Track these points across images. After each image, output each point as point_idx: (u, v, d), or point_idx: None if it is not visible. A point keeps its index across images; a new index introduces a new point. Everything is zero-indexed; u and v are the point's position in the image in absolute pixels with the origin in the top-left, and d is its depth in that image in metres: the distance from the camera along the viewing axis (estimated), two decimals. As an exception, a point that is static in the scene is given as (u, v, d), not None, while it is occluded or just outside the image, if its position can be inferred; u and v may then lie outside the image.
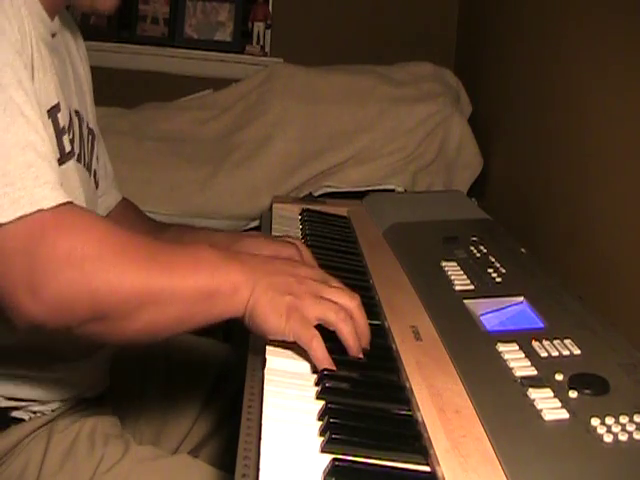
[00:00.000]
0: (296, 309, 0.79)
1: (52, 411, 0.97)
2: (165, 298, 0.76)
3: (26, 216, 0.70)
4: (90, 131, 1.05)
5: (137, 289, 0.74)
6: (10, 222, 0.70)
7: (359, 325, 0.83)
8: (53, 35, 0.94)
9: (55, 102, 0.87)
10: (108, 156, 1.19)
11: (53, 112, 0.87)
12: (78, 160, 0.97)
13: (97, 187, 1.08)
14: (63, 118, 0.90)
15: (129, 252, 0.76)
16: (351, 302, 0.83)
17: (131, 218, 1.17)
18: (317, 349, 0.78)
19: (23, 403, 0.95)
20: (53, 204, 0.72)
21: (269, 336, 0.81)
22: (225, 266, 0.80)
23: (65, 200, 0.74)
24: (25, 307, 0.72)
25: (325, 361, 0.78)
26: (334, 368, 0.79)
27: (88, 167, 1.02)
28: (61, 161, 0.88)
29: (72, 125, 0.96)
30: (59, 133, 0.88)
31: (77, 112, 1.00)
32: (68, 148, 0.91)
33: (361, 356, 0.82)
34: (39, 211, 0.71)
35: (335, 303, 0.82)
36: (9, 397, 0.94)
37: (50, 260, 0.71)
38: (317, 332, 0.79)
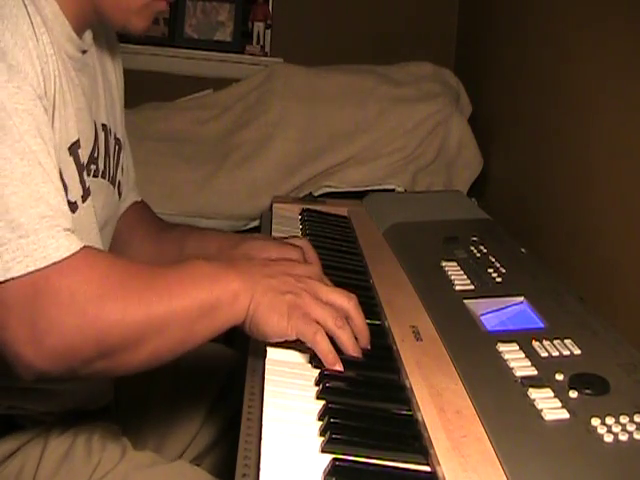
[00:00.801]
0: (297, 307, 0.80)
1: (54, 420, 0.97)
2: (167, 323, 0.76)
3: (37, 270, 0.71)
4: (117, 141, 1.05)
5: (140, 321, 0.75)
6: (20, 276, 0.70)
7: (356, 325, 0.84)
8: (84, 52, 0.93)
9: (76, 138, 0.87)
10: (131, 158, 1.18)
11: (74, 148, 0.87)
12: (103, 176, 0.98)
13: (120, 197, 1.08)
14: (85, 151, 0.90)
15: (128, 286, 0.76)
16: (348, 302, 0.84)
17: (141, 218, 1.17)
18: (321, 342, 0.79)
19: (25, 412, 0.94)
20: (65, 255, 0.72)
21: (271, 338, 0.81)
22: (223, 277, 0.80)
23: (78, 247, 0.73)
24: (27, 359, 0.71)
25: (330, 355, 0.79)
26: (340, 366, 0.79)
27: (112, 181, 1.03)
28: (84, 197, 0.89)
29: (97, 142, 0.96)
30: (80, 168, 0.88)
31: (104, 126, 1.00)
32: (88, 184, 0.91)
33: (360, 356, 0.82)
34: (51, 264, 0.71)
35: (332, 305, 0.82)
36: (11, 406, 0.93)
37: (53, 306, 0.71)
38: (320, 327, 0.79)
